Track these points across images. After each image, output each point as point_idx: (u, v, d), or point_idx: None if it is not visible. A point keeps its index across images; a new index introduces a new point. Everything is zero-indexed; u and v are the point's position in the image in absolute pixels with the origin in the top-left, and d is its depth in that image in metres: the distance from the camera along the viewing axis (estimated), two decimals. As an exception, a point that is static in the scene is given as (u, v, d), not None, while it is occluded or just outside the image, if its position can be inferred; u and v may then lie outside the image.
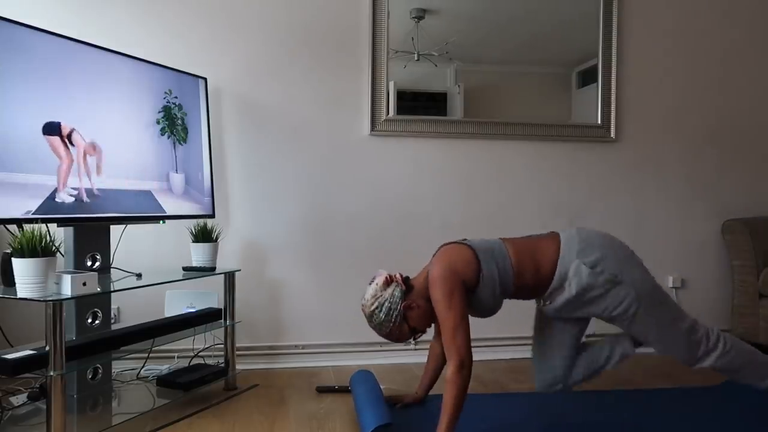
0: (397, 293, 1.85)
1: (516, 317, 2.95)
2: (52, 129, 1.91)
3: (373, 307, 1.86)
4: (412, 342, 2.86)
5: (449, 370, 1.71)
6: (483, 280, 1.82)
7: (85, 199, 2.00)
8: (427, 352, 2.86)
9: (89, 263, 2.15)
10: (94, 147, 2.03)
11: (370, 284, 1.91)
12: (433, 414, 2.09)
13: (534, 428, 1.98)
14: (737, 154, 3.19)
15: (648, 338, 1.92)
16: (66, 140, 1.94)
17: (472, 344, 2.90)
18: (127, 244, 2.40)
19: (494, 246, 1.88)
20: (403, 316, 1.86)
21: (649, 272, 1.91)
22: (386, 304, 1.84)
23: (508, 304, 2.89)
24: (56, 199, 1.90)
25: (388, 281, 1.88)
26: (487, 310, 1.90)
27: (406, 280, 1.92)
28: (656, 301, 1.87)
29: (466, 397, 1.71)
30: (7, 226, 1.84)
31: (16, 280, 1.69)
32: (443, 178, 2.93)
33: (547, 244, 1.90)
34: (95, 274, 1.84)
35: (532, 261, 1.87)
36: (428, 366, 2.19)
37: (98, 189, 2.05)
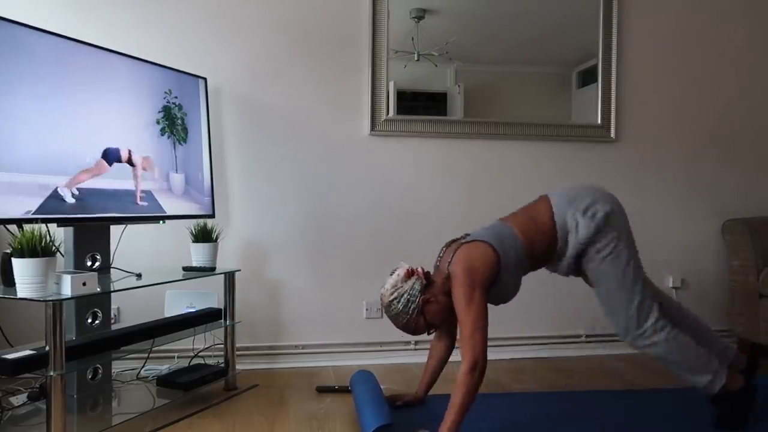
0: (417, 286, 1.88)
1: (516, 317, 2.96)
2: (111, 156, 2.09)
3: (391, 297, 1.89)
4: (413, 342, 2.87)
5: (462, 369, 1.73)
6: (503, 269, 1.85)
7: (139, 202, 2.20)
8: (425, 354, 2.86)
9: (89, 263, 2.15)
10: (148, 161, 2.21)
11: (391, 275, 1.94)
12: (434, 414, 2.09)
13: (534, 428, 1.98)
14: (737, 154, 3.20)
15: (604, 288, 1.92)
16: (128, 163, 2.15)
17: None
18: (127, 244, 2.40)
19: (500, 230, 1.92)
20: (421, 310, 1.88)
21: (630, 228, 1.97)
22: (405, 295, 1.87)
23: (504, 304, 2.89)
24: (59, 191, 1.90)
25: (410, 273, 1.91)
26: (509, 294, 1.94)
27: (426, 275, 1.94)
28: (630, 256, 1.91)
29: (475, 398, 1.73)
30: (7, 226, 1.84)
31: (16, 280, 1.70)
32: (443, 178, 2.93)
33: (540, 206, 1.97)
34: (95, 274, 1.84)
35: (535, 226, 1.92)
36: (428, 365, 2.20)
37: (143, 191, 2.22)
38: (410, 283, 1.89)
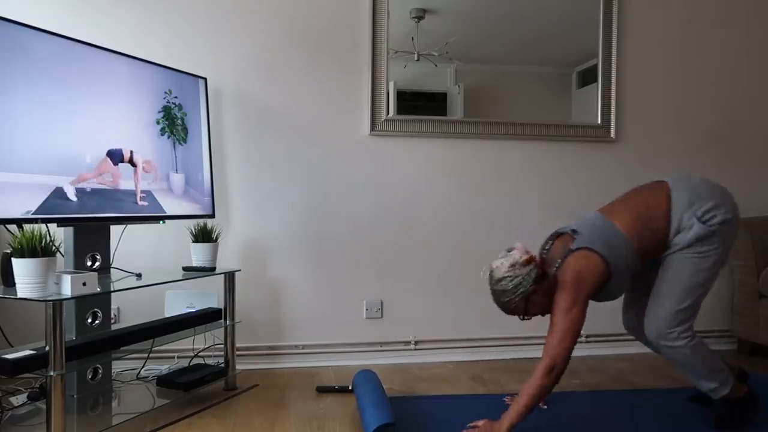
0: (533, 275, 1.87)
1: (516, 317, 2.95)
2: (116, 157, 2.11)
3: (505, 274, 1.88)
4: (413, 343, 2.87)
5: (539, 367, 1.77)
6: (613, 276, 1.86)
7: (139, 202, 2.20)
8: (426, 354, 2.87)
9: (89, 263, 2.15)
10: (150, 164, 2.24)
11: (508, 251, 1.93)
12: (435, 414, 2.09)
13: (534, 428, 1.98)
14: (737, 154, 3.20)
15: (669, 276, 1.91)
16: (129, 163, 2.17)
17: (475, 344, 2.92)
18: (127, 244, 2.40)
19: (608, 233, 1.88)
20: (527, 297, 1.89)
21: (734, 237, 1.93)
22: (519, 279, 1.86)
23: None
24: (63, 187, 1.91)
25: (530, 260, 1.89)
26: (617, 294, 1.94)
27: (541, 265, 1.94)
28: (714, 265, 1.89)
29: (543, 398, 1.77)
30: (7, 226, 1.84)
31: (16, 280, 1.69)
32: (443, 178, 2.93)
33: (657, 200, 1.92)
34: (95, 274, 1.84)
35: (646, 224, 1.89)
36: None
37: (143, 191, 2.23)
38: (528, 269, 1.87)
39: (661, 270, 1.94)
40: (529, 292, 1.87)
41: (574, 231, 1.92)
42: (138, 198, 2.19)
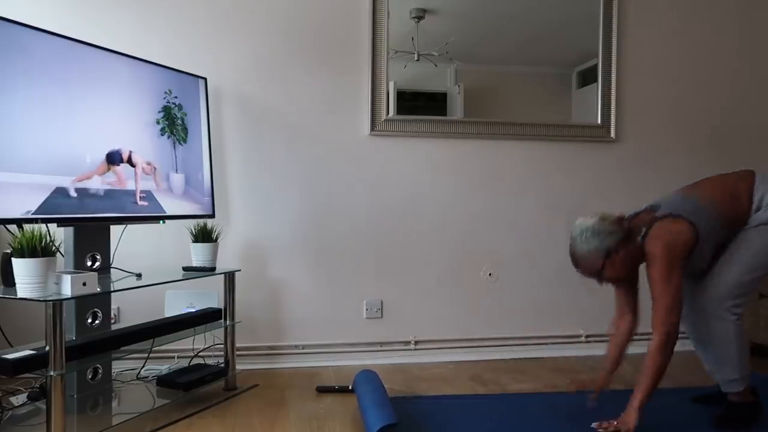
0: (618, 235, 1.86)
1: (516, 317, 2.96)
2: (114, 158, 2.11)
3: (590, 225, 1.87)
4: (413, 342, 2.87)
5: (654, 344, 1.79)
6: (700, 243, 1.86)
7: (139, 202, 2.20)
8: (426, 354, 2.87)
9: (89, 263, 2.15)
10: (151, 167, 2.24)
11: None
12: (435, 414, 2.09)
13: (534, 428, 1.98)
14: (737, 153, 3.19)
15: (738, 249, 1.92)
16: (128, 163, 2.16)
17: (475, 344, 2.92)
18: (127, 244, 2.40)
19: (693, 204, 1.91)
20: (606, 255, 1.86)
21: None
22: (602, 235, 1.85)
23: (505, 304, 2.89)
24: (64, 185, 1.91)
25: (620, 221, 1.90)
26: (700, 265, 1.95)
27: (629, 231, 1.92)
28: None
29: (663, 374, 1.81)
30: (7, 226, 1.83)
31: (16, 280, 1.70)
32: (443, 178, 2.93)
33: (741, 179, 1.97)
34: (95, 274, 1.84)
35: (727, 196, 1.92)
36: (615, 342, 2.16)
37: (143, 191, 2.23)
38: (614, 228, 1.86)
39: (733, 243, 1.94)
40: (611, 249, 1.85)
41: (652, 206, 1.95)
42: (138, 198, 2.19)
